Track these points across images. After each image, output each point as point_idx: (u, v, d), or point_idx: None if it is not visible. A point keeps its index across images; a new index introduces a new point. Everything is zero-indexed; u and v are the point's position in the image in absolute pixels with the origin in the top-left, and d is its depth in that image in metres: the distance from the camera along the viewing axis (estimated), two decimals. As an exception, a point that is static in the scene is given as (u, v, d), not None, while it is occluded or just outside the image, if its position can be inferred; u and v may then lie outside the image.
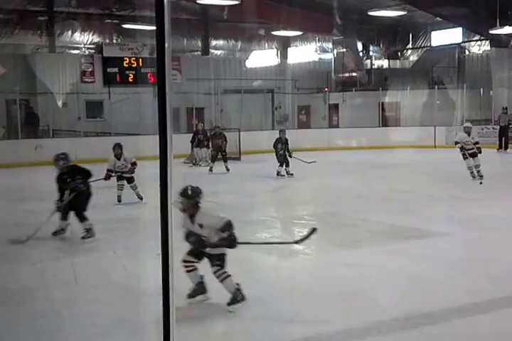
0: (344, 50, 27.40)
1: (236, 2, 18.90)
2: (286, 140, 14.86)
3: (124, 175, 10.34)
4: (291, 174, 14.24)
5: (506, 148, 19.75)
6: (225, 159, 15.69)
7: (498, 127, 20.33)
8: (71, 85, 21.26)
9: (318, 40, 28.59)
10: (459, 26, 25.25)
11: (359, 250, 7.01)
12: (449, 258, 6.55)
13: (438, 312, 4.86)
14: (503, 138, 19.96)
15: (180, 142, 15.65)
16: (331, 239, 7.69)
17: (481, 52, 25.51)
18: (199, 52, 26.17)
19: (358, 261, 6.43)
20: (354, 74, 26.71)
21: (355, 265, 6.28)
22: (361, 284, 5.63)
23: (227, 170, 15.43)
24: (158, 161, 1.90)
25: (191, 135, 17.92)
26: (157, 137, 1.74)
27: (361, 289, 5.47)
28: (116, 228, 8.36)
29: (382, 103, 24.43)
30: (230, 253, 6.73)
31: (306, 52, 28.63)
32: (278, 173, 14.22)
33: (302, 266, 6.45)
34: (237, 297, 4.99)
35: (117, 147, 10.20)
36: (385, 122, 24.19)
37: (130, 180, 10.41)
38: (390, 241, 7.37)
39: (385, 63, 28.43)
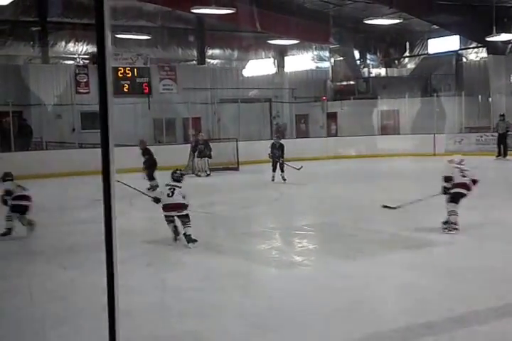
0: (341, 58, 27.40)
1: (231, 11, 18.84)
2: (281, 145, 14.84)
3: None
4: (285, 179, 14.65)
5: (505, 155, 19.68)
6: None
7: (496, 134, 20.26)
8: (65, 96, 21.12)
9: (315, 48, 28.60)
10: (456, 34, 25.28)
11: (359, 261, 6.89)
12: (449, 267, 6.47)
13: (439, 322, 4.78)
14: (502, 146, 19.88)
15: (177, 153, 15.54)
16: (331, 249, 7.59)
17: (478, 59, 25.51)
18: (195, 62, 26.11)
19: (358, 272, 6.35)
20: (352, 82, 26.68)
21: (354, 276, 6.19)
22: (361, 295, 5.56)
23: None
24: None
25: (189, 145, 17.80)
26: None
27: (361, 300, 5.40)
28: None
29: (381, 111, 24.38)
30: (228, 265, 6.65)
31: (303, 61, 28.62)
32: (272, 179, 14.68)
33: (301, 278, 6.31)
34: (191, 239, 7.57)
35: None
36: (383, 130, 24.11)
37: None
38: (389, 251, 7.28)
39: (382, 71, 28.42)
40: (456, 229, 8.12)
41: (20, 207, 8.64)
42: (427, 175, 15.80)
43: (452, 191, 8.35)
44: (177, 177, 8.05)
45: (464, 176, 8.39)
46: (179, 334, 4.67)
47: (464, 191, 8.32)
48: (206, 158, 17.39)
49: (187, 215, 7.70)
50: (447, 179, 8.54)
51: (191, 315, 5.06)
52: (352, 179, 15.55)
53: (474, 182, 8.43)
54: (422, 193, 12.28)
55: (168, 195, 7.78)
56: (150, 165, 13.82)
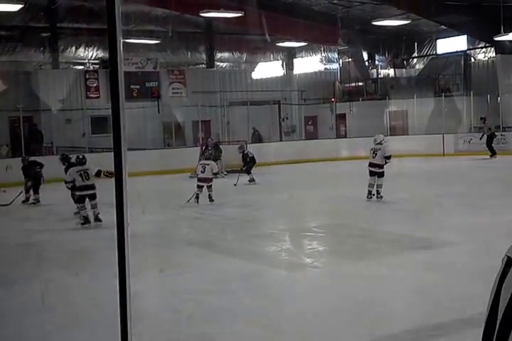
0: (350, 59, 27.41)
1: (240, 14, 18.93)
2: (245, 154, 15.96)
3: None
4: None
5: (493, 154, 20.10)
6: None
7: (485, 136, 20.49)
8: (75, 101, 21.28)
9: (324, 50, 28.62)
10: (464, 34, 25.22)
11: (368, 262, 6.90)
12: (459, 267, 6.45)
13: (449, 322, 4.79)
14: (489, 147, 20.30)
15: (186, 155, 15.63)
16: (341, 251, 7.61)
17: (486, 59, 25.42)
18: (204, 65, 26.22)
19: (368, 273, 6.34)
20: (360, 83, 26.68)
21: (365, 277, 6.18)
22: (371, 296, 5.55)
23: None
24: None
25: (198, 148, 17.89)
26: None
27: (371, 301, 5.39)
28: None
29: (389, 112, 24.35)
30: (238, 268, 6.69)
31: (311, 63, 28.65)
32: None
33: (311, 280, 6.35)
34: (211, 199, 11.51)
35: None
36: (392, 131, 24.08)
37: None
38: (399, 252, 7.28)
39: (391, 72, 28.39)
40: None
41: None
42: (435, 175, 15.85)
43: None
44: (208, 156, 13.01)
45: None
46: (190, 338, 4.69)
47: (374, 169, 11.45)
48: (218, 161, 17.52)
49: (211, 185, 11.66)
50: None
51: (201, 318, 5.08)
52: (361, 180, 15.53)
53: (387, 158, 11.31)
54: (431, 192, 12.35)
55: (201, 172, 11.63)
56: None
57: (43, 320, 5.13)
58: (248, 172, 15.72)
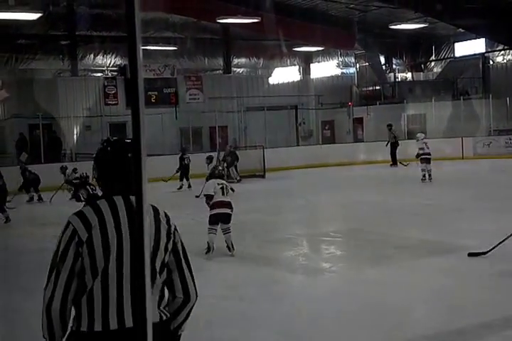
0: (367, 63, 27.35)
1: (256, 20, 18.99)
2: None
3: None
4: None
5: (396, 163, 20.15)
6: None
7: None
8: (94, 108, 21.50)
9: (340, 54, 28.60)
10: (482, 36, 25.03)
11: (387, 267, 6.86)
12: (479, 272, 6.37)
13: (468, 328, 4.75)
14: (392, 155, 20.29)
15: (203, 161, 15.66)
16: (358, 255, 7.56)
17: (505, 61, 25.20)
18: (221, 71, 26.33)
19: (386, 278, 6.29)
20: (378, 87, 26.59)
21: (383, 282, 6.15)
22: (389, 301, 5.51)
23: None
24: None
25: (215, 154, 17.95)
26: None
27: (389, 306, 5.35)
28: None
29: (407, 115, 24.22)
30: (255, 273, 6.70)
31: (328, 67, 28.64)
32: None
33: (329, 285, 6.32)
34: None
35: None
36: (410, 135, 23.93)
37: None
38: (417, 257, 7.21)
39: (408, 76, 28.26)
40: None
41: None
42: (455, 179, 15.70)
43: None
44: (218, 173, 8.34)
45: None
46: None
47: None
48: (232, 167, 17.66)
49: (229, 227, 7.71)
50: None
51: (220, 323, 5.08)
52: (379, 184, 15.46)
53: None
54: (450, 196, 12.25)
55: (221, 194, 7.56)
56: None
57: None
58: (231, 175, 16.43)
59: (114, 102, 21.88)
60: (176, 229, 2.38)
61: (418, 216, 10.23)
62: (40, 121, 18.93)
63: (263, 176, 18.54)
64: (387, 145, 20.62)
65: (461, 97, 23.69)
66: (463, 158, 21.17)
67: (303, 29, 22.92)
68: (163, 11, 20.62)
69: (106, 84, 22.14)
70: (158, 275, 2.25)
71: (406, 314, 5.22)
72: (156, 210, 2.35)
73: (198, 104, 23.34)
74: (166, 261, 2.30)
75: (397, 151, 20.33)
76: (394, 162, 20.19)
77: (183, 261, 2.39)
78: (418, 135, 16.40)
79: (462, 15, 21.99)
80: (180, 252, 2.38)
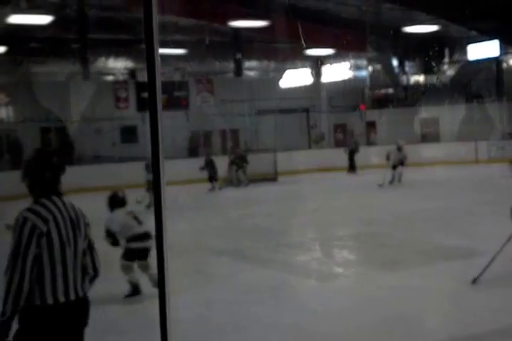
0: (379, 66, 27.18)
1: (267, 23, 18.92)
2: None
3: None
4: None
5: (355, 169, 19.92)
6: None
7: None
8: (105, 111, 21.48)
9: (352, 57, 28.44)
10: (495, 39, 24.80)
11: (400, 272, 6.74)
12: (494, 277, 6.23)
13: (483, 333, 4.69)
14: (351, 161, 20.16)
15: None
16: (371, 260, 7.45)
17: (519, 64, 24.97)
18: (232, 74, 26.27)
19: (400, 283, 6.20)
20: (390, 90, 26.41)
21: (396, 287, 6.06)
22: (403, 307, 5.44)
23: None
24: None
25: (226, 157, 17.93)
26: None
27: (403, 312, 5.29)
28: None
29: (420, 119, 24.04)
30: (268, 277, 6.59)
31: (340, 70, 28.49)
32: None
33: (342, 290, 6.21)
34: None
35: None
36: (424, 138, 23.75)
37: None
38: (431, 262, 7.09)
39: (421, 78, 28.05)
40: None
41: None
42: (469, 182, 15.52)
43: None
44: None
45: None
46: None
47: None
48: (240, 170, 17.65)
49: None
50: None
51: (233, 328, 5.03)
52: (391, 188, 15.32)
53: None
54: (464, 200, 12.09)
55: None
56: None
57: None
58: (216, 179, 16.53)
59: (125, 105, 21.87)
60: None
61: (432, 220, 10.08)
62: (52, 124, 18.89)
63: (275, 179, 18.43)
64: (346, 151, 20.44)
65: (475, 100, 23.46)
66: (477, 162, 20.94)
67: (314, 32, 22.80)
68: (176, 14, 20.58)
69: (117, 87, 22.14)
70: (82, 256, 2.90)
71: (420, 319, 5.14)
72: (72, 204, 2.89)
73: (209, 107, 23.28)
74: (85, 245, 2.92)
75: (355, 158, 20.18)
76: (351, 168, 19.99)
77: (93, 244, 3.00)
78: (399, 142, 16.27)
79: (475, 18, 21.82)
80: (90, 237, 2.96)
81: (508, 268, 6.63)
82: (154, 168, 1.41)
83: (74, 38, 22.71)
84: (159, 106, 1.44)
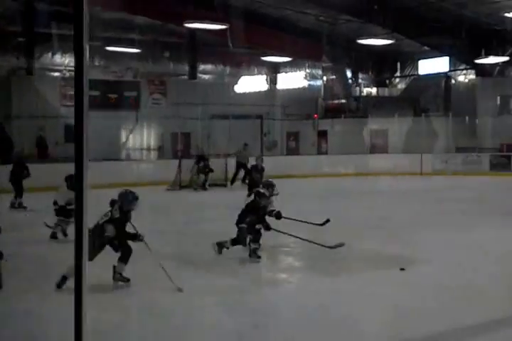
0: (333, 76, 27.54)
1: (224, 26, 18.91)
2: (263, 168, 14.41)
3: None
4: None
5: (232, 183, 18.15)
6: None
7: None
8: (50, 109, 20.75)
9: (308, 66, 28.73)
10: (446, 55, 25.55)
11: (343, 278, 6.85)
12: (432, 284, 6.41)
13: (420, 337, 4.79)
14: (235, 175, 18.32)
15: (164, 168, 15.46)
16: (316, 266, 7.50)
17: (466, 81, 25.75)
18: (186, 77, 26.10)
19: (342, 289, 6.23)
20: (343, 101, 26.80)
21: (339, 292, 6.10)
22: (345, 312, 5.48)
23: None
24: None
25: (176, 161, 17.73)
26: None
27: (345, 317, 5.33)
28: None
29: (371, 130, 24.48)
30: (213, 283, 6.50)
31: (295, 78, 28.74)
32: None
33: (285, 295, 6.22)
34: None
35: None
36: (373, 149, 24.18)
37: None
38: (374, 269, 7.19)
39: (373, 91, 28.59)
40: None
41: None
42: (412, 194, 15.93)
43: None
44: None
45: None
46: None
47: None
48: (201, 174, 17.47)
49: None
50: None
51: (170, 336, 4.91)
52: (340, 197, 15.52)
53: None
54: (408, 210, 12.39)
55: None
56: None
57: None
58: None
59: (71, 103, 21.28)
60: None
61: (376, 229, 10.24)
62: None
63: (225, 185, 18.37)
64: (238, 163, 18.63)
65: (423, 114, 24.09)
66: (421, 174, 21.48)
67: (271, 38, 22.97)
68: (127, 11, 20.24)
69: (63, 84, 21.44)
70: None
71: (361, 325, 5.19)
72: None
73: (160, 109, 23.03)
74: None
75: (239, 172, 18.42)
76: (232, 181, 18.21)
77: None
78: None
79: (427, 33, 22.43)
80: None
81: (448, 276, 6.77)
82: (77, 170, 1.36)
83: (19, 32, 21.87)
84: (86, 104, 1.39)
